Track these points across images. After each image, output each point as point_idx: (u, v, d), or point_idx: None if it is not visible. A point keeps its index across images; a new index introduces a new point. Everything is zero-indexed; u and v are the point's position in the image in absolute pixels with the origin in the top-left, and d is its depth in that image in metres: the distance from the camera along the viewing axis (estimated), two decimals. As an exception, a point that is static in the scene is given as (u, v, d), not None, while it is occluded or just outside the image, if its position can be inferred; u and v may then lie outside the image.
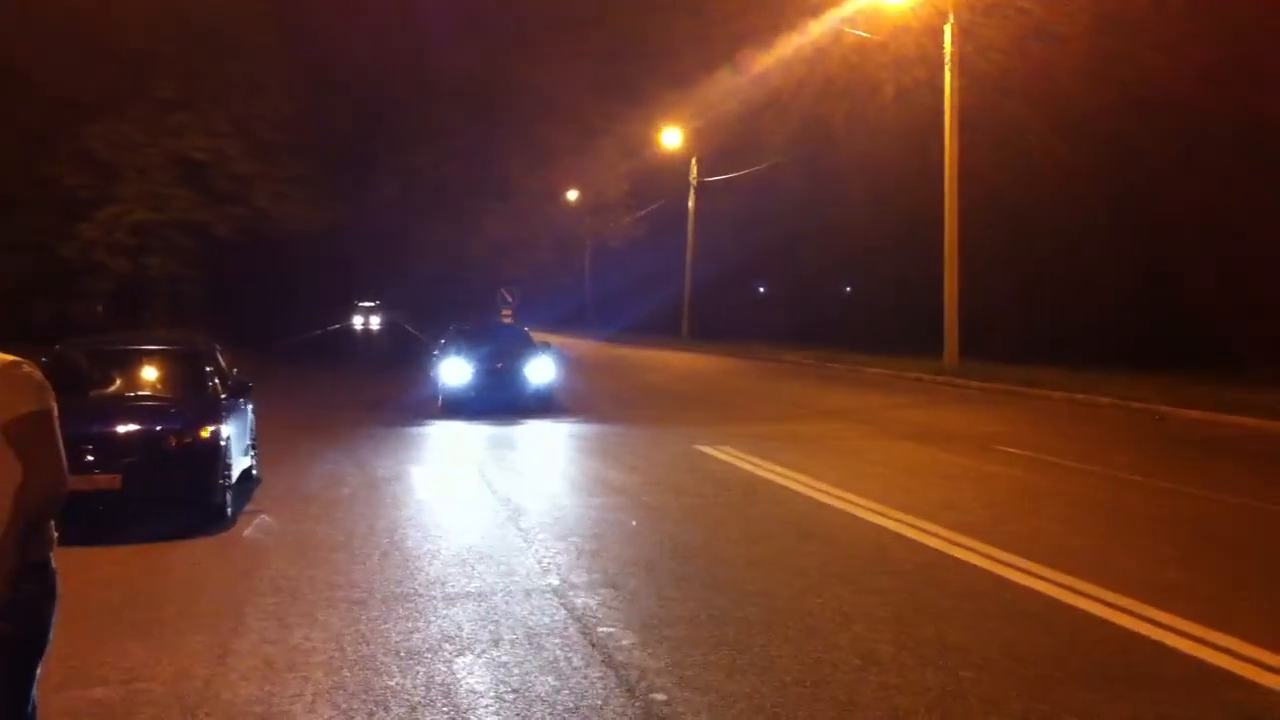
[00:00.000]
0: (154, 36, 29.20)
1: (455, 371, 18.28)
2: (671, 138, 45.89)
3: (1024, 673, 5.44)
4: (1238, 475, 12.10)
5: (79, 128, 28.92)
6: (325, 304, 55.38)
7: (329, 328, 55.38)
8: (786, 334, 39.82)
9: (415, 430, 16.07)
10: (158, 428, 9.23)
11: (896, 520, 9.06)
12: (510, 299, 36.80)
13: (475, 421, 16.83)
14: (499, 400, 17.91)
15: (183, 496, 9.13)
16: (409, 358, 31.36)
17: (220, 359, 11.03)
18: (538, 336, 21.59)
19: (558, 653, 5.76)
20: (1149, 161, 25.54)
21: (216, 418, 9.55)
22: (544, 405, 18.15)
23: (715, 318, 45.87)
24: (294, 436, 14.43)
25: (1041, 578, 7.12)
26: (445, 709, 5.01)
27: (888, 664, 5.55)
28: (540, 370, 18.52)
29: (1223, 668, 5.45)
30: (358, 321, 74.19)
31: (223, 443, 9.37)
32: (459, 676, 5.44)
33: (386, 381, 24.68)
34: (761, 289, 52.05)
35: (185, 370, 10.62)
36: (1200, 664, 5.52)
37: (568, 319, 53.03)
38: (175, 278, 32.69)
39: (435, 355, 20.33)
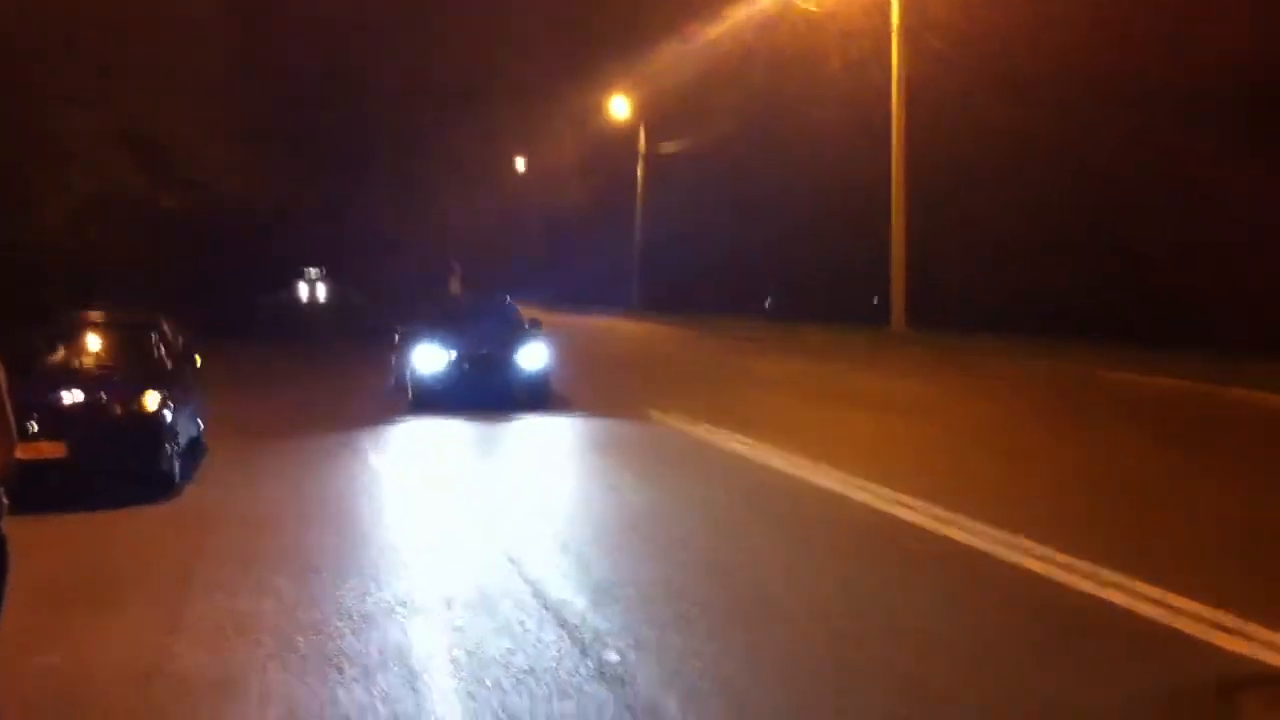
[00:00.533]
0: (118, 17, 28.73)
1: (430, 358, 15.14)
2: (620, 107, 45.78)
3: (969, 622, 5.62)
4: (1167, 435, 12.36)
5: (35, 105, 28.33)
6: (271, 275, 54.54)
7: (275, 298, 54.46)
8: (745, 304, 39.75)
9: (379, 426, 13.66)
10: (103, 396, 9.16)
11: (844, 483, 9.15)
12: (457, 267, 36.48)
13: (449, 415, 14.41)
14: (484, 392, 14.96)
15: (130, 465, 9.05)
16: (363, 334, 30.61)
17: (167, 329, 10.94)
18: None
19: (511, 616, 5.80)
20: (1106, 133, 25.66)
21: (163, 386, 9.49)
22: (535, 397, 15.09)
23: (676, 287, 45.66)
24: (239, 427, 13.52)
25: (984, 535, 7.22)
26: (399, 671, 5.03)
27: (836, 623, 5.66)
28: (533, 355, 15.49)
29: (1160, 621, 5.54)
30: (303, 291, 72.91)
31: (169, 411, 9.31)
32: (413, 640, 5.47)
33: (342, 363, 22.80)
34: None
35: (132, 340, 10.55)
36: (1137, 618, 5.62)
37: (520, 289, 52.66)
38: (124, 253, 32.21)
39: (399, 337, 16.83)
